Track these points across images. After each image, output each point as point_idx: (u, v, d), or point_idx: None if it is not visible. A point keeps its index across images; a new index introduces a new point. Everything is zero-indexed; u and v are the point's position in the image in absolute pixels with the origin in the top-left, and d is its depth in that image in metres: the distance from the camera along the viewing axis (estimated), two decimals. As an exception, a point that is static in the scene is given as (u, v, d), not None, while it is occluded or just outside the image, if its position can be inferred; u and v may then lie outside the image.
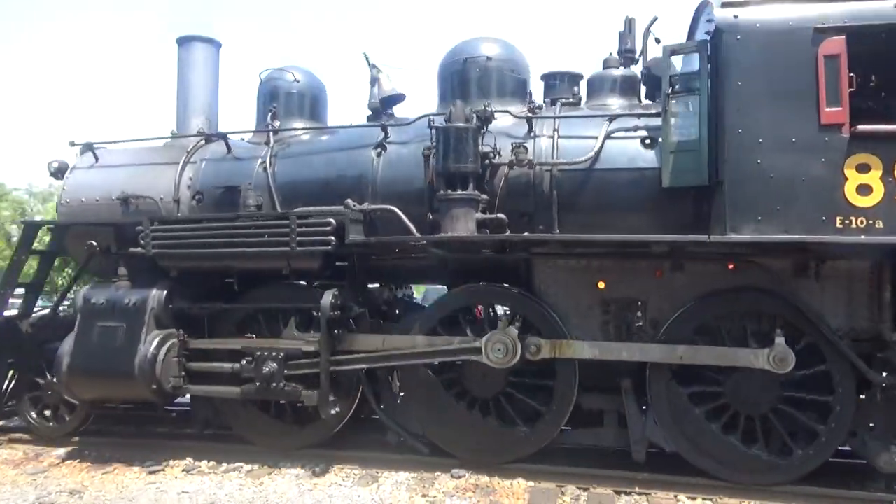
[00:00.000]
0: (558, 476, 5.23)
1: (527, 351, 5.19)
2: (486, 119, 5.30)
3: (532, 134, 5.51)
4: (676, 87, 5.05)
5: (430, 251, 5.49)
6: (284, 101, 6.59)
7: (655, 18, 5.97)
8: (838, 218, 4.41)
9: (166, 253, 5.75)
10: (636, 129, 5.37)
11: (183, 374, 5.77)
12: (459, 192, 5.18)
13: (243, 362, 5.62)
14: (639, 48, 6.08)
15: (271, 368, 5.51)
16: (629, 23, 6.07)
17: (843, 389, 4.86)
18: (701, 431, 5.09)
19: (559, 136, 5.42)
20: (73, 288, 7.39)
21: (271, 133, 6.29)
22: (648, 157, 5.25)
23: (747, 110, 4.56)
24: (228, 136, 6.53)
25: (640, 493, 5.00)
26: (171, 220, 5.86)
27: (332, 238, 5.38)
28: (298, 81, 6.56)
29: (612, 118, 5.40)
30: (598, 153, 5.26)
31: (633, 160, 5.28)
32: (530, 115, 5.53)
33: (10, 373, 6.59)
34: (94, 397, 6.00)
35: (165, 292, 5.82)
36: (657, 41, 6.01)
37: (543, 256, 5.45)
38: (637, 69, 6.08)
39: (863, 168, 4.38)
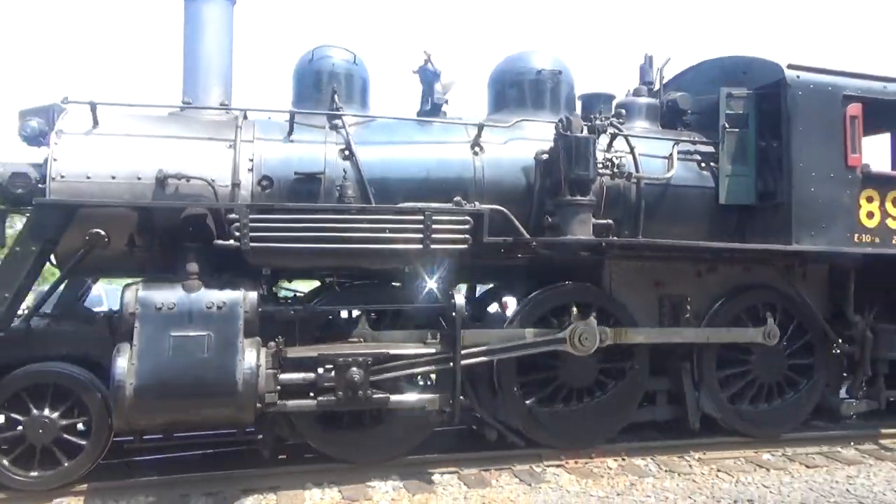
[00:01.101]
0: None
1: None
2: (601, 131, 5.77)
3: (613, 149, 6.15)
4: (730, 123, 6.27)
5: (539, 252, 5.73)
6: (330, 83, 5.97)
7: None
8: (856, 235, 6.10)
9: (269, 248, 4.90)
10: (690, 153, 6.42)
11: (278, 388, 4.99)
12: (588, 197, 5.59)
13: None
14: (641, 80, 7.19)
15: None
16: (649, 59, 7.11)
17: (822, 357, 6.62)
18: (735, 402, 6.38)
19: (639, 153, 6.18)
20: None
21: (343, 118, 5.71)
22: (705, 177, 6.35)
23: (805, 149, 5.97)
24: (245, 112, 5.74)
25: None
26: (278, 209, 4.98)
27: (469, 237, 5.28)
28: (357, 65, 6.05)
29: (677, 141, 6.36)
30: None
31: (695, 179, 6.32)
32: (622, 132, 6.15)
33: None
34: (164, 424, 4.77)
35: (257, 293, 4.95)
36: (662, 77, 7.21)
37: (616, 258, 6.15)
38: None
39: (870, 199, 6.14)
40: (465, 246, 5.27)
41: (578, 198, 5.56)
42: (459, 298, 5.28)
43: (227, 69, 5.99)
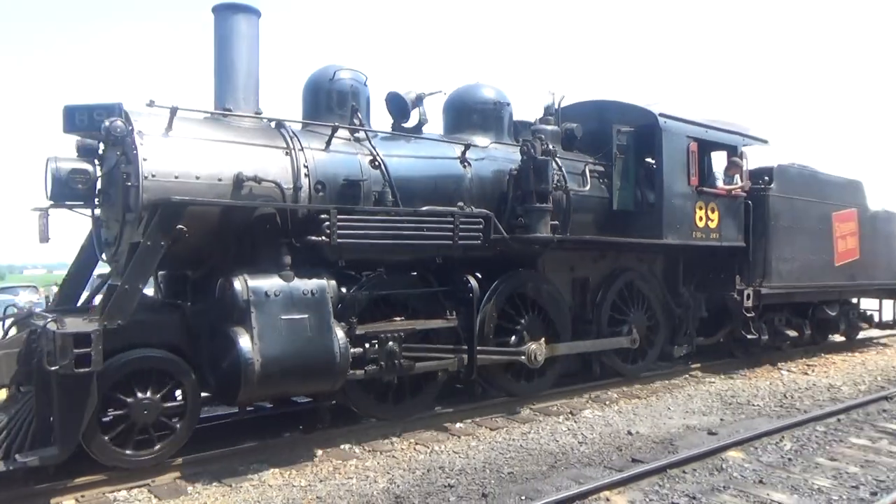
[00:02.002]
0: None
1: None
2: (552, 155, 7.65)
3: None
4: (619, 151, 8.66)
5: (511, 245, 7.42)
6: (343, 100, 6.95)
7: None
8: (694, 233, 8.94)
9: (352, 243, 5.87)
10: (592, 171, 8.66)
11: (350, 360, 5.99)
12: (548, 205, 7.45)
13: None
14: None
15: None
16: (553, 95, 9.20)
17: (664, 318, 9.44)
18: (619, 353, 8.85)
19: (566, 171, 8.22)
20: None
21: (368, 132, 6.77)
22: (603, 189, 8.65)
23: (669, 173, 8.60)
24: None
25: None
26: (358, 210, 5.95)
27: (482, 234, 6.79)
28: (366, 86, 7.07)
29: (586, 163, 8.54)
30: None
31: (598, 191, 8.59)
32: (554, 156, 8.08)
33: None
34: (277, 395, 5.48)
35: (334, 281, 5.90)
36: (558, 110, 9.38)
37: (551, 250, 8.13)
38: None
39: (700, 208, 9.02)
40: (479, 242, 6.79)
41: (543, 205, 7.40)
42: (474, 282, 6.78)
43: (256, 79, 6.58)
